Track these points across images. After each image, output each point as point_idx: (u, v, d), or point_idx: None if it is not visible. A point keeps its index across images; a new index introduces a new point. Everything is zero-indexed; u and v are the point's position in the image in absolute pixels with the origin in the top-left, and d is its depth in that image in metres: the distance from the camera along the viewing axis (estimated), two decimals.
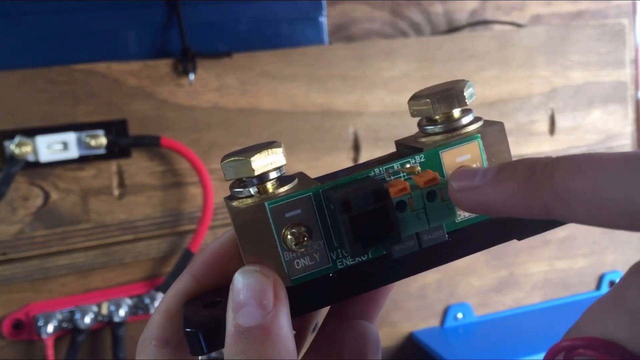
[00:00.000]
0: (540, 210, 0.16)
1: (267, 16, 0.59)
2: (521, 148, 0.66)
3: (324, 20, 0.60)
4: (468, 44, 0.63)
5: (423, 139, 0.21)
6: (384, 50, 0.60)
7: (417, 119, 0.22)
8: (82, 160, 0.52)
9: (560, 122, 0.68)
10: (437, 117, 0.21)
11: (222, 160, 0.19)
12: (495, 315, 0.68)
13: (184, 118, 0.55)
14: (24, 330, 0.52)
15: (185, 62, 0.54)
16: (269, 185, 0.19)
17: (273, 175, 0.19)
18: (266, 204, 0.18)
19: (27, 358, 0.53)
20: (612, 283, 0.71)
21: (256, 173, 0.19)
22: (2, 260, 0.52)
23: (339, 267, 0.19)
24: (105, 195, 0.54)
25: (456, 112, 0.21)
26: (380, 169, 0.20)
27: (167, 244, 0.56)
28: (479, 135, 0.20)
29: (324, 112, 0.59)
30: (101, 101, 0.53)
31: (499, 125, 0.21)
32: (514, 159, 0.19)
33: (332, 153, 0.60)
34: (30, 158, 0.50)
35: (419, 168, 0.20)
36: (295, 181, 0.20)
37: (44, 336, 0.52)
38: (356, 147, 0.61)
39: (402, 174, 0.20)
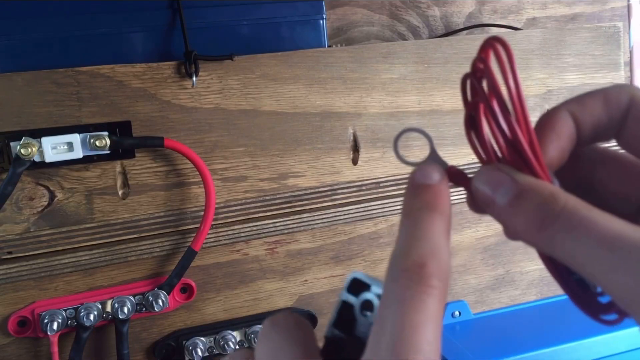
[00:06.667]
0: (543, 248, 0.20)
1: (268, 19, 0.59)
2: None
3: (323, 23, 0.61)
4: (465, 46, 0.64)
5: None
6: (383, 53, 0.61)
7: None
8: (87, 160, 0.53)
9: None
10: None
11: None
12: (492, 313, 0.69)
13: (187, 119, 0.56)
14: (30, 327, 0.53)
15: (187, 65, 0.55)
16: None
17: None
18: None
19: (32, 354, 0.54)
20: None
21: None
22: (8, 259, 0.53)
23: None
24: (109, 195, 0.55)
25: None
26: None
27: (171, 243, 0.57)
28: None
29: (324, 113, 0.60)
30: (105, 103, 0.54)
31: None
32: None
33: (331, 154, 0.61)
34: (36, 158, 0.51)
35: None
36: None
37: (49, 333, 0.52)
38: (355, 148, 0.62)
39: None
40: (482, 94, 0.21)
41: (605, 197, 0.24)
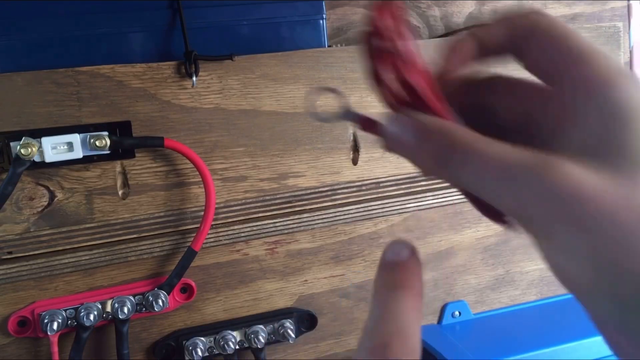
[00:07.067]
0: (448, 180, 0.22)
1: (268, 19, 0.60)
2: None
3: (323, 23, 0.61)
4: None
5: None
6: None
7: None
8: (87, 160, 0.53)
9: None
10: None
11: None
12: (492, 313, 0.69)
13: (187, 119, 0.56)
14: (30, 327, 0.53)
15: (187, 65, 0.55)
16: None
17: None
18: None
19: (32, 354, 0.54)
20: None
21: None
22: (8, 259, 0.53)
23: None
24: (109, 195, 0.55)
25: None
26: None
27: (171, 243, 0.57)
28: None
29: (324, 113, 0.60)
30: (105, 103, 0.54)
31: None
32: None
33: (331, 154, 0.61)
34: (36, 158, 0.51)
35: None
36: None
37: (49, 333, 0.52)
38: (356, 148, 0.62)
39: None
40: (379, 49, 0.23)
41: (502, 121, 0.26)
